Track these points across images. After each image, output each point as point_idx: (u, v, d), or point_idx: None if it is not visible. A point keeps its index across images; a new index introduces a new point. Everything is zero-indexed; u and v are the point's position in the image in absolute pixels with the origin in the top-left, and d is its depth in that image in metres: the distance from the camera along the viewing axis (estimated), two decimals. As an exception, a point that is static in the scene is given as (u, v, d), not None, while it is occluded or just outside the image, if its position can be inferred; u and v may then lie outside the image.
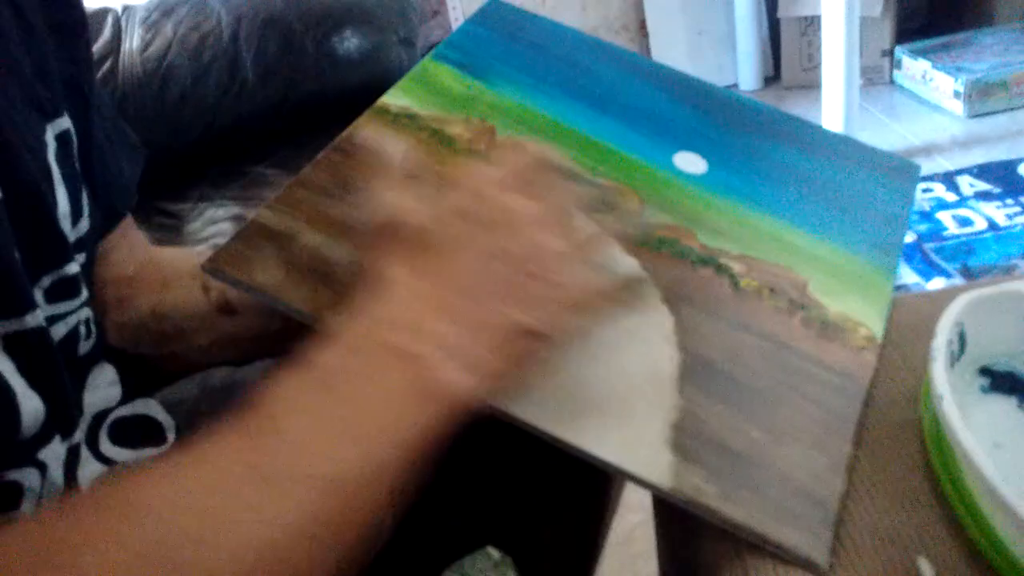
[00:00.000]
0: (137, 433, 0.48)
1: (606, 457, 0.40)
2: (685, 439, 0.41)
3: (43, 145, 0.42)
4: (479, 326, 0.35)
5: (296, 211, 0.46)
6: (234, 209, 1.12)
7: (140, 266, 0.54)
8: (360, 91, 1.21)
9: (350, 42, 1.21)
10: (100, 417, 0.46)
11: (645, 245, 0.49)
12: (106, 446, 0.46)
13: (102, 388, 0.46)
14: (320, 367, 0.33)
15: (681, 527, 0.45)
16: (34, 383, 0.37)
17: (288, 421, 0.31)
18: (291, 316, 0.43)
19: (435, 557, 0.53)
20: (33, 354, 0.37)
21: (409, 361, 0.33)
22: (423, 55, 0.58)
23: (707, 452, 0.41)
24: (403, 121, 0.53)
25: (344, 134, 0.51)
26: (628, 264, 0.48)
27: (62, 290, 0.42)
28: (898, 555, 0.38)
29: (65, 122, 0.44)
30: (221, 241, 0.45)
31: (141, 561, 0.26)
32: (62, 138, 0.44)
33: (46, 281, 0.41)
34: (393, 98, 0.54)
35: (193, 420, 0.54)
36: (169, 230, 1.17)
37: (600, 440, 0.40)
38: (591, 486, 0.60)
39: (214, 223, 1.15)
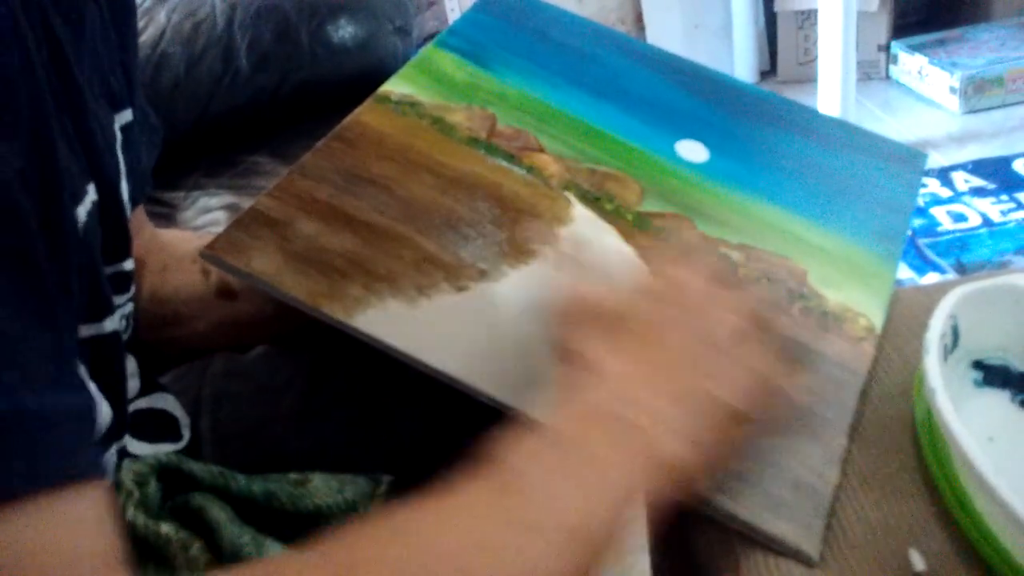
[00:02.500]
0: (154, 427, 0.48)
1: None
2: None
3: (114, 137, 0.42)
4: (690, 404, 0.37)
5: (295, 199, 0.46)
6: (228, 198, 1.12)
7: (144, 249, 0.54)
8: (355, 80, 1.20)
9: (345, 31, 1.20)
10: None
11: (644, 233, 0.49)
12: (126, 439, 0.45)
13: (127, 379, 0.46)
14: (554, 432, 0.35)
15: (673, 518, 0.45)
16: (103, 388, 0.37)
17: (534, 475, 0.33)
18: (288, 304, 0.43)
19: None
20: (105, 359, 0.37)
21: (636, 431, 0.35)
22: (419, 45, 0.57)
23: None
24: (404, 109, 0.53)
25: (345, 122, 0.51)
26: (625, 253, 0.48)
27: (117, 285, 0.42)
28: (890, 547, 0.38)
29: (128, 114, 0.45)
30: (215, 230, 0.45)
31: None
32: (125, 130, 0.44)
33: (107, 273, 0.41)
34: (394, 85, 0.54)
35: (196, 407, 0.54)
36: (162, 219, 1.16)
37: None
38: None
39: (207, 212, 1.15)
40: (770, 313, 0.43)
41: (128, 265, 0.43)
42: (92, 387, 0.35)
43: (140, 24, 1.23)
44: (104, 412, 0.37)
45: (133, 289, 0.44)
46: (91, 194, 0.36)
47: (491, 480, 0.33)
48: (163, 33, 1.21)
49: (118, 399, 0.39)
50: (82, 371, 0.33)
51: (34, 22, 0.32)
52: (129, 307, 0.45)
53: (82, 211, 0.34)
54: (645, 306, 0.40)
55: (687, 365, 0.38)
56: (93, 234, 0.35)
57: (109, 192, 0.39)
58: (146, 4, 1.24)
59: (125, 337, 0.45)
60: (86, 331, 0.36)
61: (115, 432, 0.39)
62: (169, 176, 1.22)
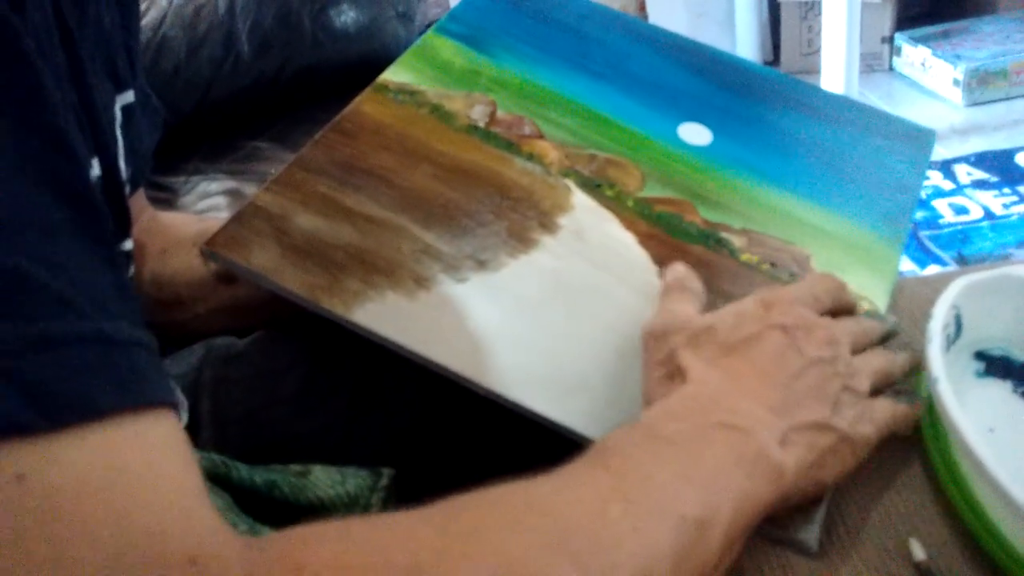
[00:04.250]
0: None
1: (594, 437, 0.40)
2: None
3: (114, 117, 0.42)
4: (796, 419, 0.36)
5: (294, 193, 0.46)
6: (228, 183, 1.11)
7: (143, 232, 0.54)
8: (356, 65, 1.20)
9: (347, 16, 1.19)
10: None
11: (645, 220, 0.49)
12: None
13: None
14: (654, 428, 0.35)
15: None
16: None
17: (646, 465, 0.33)
18: (287, 298, 0.43)
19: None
20: None
21: (739, 433, 0.35)
22: (421, 31, 0.57)
23: None
24: (403, 98, 0.52)
25: (344, 113, 0.51)
26: (626, 241, 0.48)
27: None
28: (889, 536, 0.38)
29: (130, 95, 0.45)
30: (214, 215, 0.45)
31: (540, 541, 0.29)
32: (126, 111, 0.44)
33: None
34: (393, 74, 0.53)
35: (195, 391, 0.54)
36: (162, 203, 1.16)
37: (589, 419, 0.40)
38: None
39: (208, 197, 1.14)
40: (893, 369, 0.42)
41: (128, 245, 0.43)
42: None
43: (142, 7, 1.22)
44: None
45: (132, 269, 0.44)
46: (95, 169, 0.36)
47: (605, 464, 0.33)
48: (164, 17, 1.21)
49: None
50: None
51: None
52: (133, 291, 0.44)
53: None
54: (748, 327, 0.39)
55: (807, 391, 0.37)
56: (103, 213, 0.35)
57: (110, 170, 0.39)
58: (147, -13, 1.24)
59: None
60: None
61: None
62: (169, 160, 1.22)
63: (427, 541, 0.28)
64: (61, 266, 0.26)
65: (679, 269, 0.43)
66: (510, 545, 0.28)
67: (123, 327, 0.26)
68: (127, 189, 0.44)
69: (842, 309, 0.43)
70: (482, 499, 0.30)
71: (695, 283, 0.43)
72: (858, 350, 0.40)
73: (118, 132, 0.42)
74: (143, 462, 0.25)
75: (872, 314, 0.45)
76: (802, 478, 0.35)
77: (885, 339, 0.43)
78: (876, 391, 0.40)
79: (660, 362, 0.39)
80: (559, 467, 0.33)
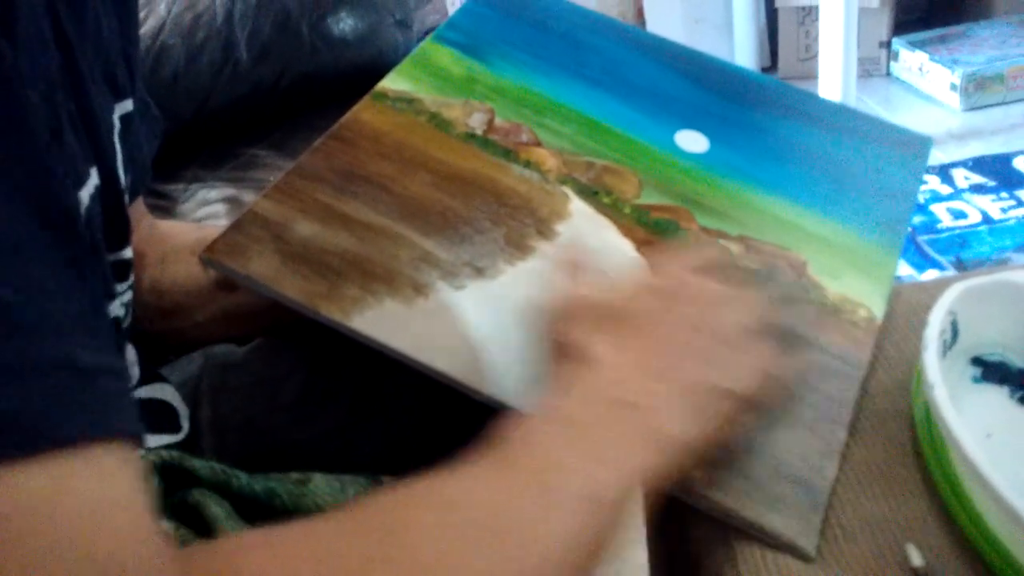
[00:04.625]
0: (153, 418, 0.48)
1: None
2: None
3: (112, 126, 0.42)
4: (687, 387, 0.38)
5: (293, 200, 0.46)
6: (227, 190, 1.11)
7: (142, 240, 0.54)
8: (355, 73, 1.20)
9: (345, 23, 1.20)
10: None
11: (641, 227, 0.49)
12: None
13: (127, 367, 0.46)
14: (556, 410, 0.36)
15: (671, 513, 0.45)
16: None
17: (541, 448, 0.34)
18: (286, 305, 0.43)
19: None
20: None
21: (636, 410, 0.36)
22: (419, 38, 0.57)
23: None
24: (401, 106, 0.52)
25: (342, 120, 0.51)
26: (623, 248, 0.48)
27: (118, 273, 0.42)
28: (886, 542, 0.38)
29: (129, 104, 0.45)
30: (213, 223, 0.45)
31: (452, 539, 0.30)
32: (125, 119, 0.44)
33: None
34: (391, 82, 0.54)
35: (195, 398, 0.54)
36: (161, 211, 1.16)
37: None
38: None
39: (207, 204, 1.14)
40: (772, 306, 0.43)
41: (128, 253, 0.43)
42: None
43: (140, 15, 1.22)
44: None
45: (132, 277, 0.44)
46: (93, 178, 0.36)
47: (499, 454, 0.33)
48: (163, 25, 1.21)
49: None
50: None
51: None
52: (128, 295, 0.45)
53: (85, 194, 0.34)
54: (639, 299, 0.40)
55: (682, 352, 0.38)
56: (95, 219, 0.35)
57: (109, 179, 0.39)
58: (146, -5, 1.24)
59: (124, 325, 0.45)
60: None
61: None
62: (168, 168, 1.22)
63: (352, 548, 0.28)
64: (28, 289, 0.25)
65: (568, 247, 0.44)
66: (431, 546, 0.29)
67: (89, 353, 0.26)
68: (126, 198, 0.44)
69: (718, 269, 0.44)
70: (403, 498, 0.31)
71: (584, 257, 0.44)
72: (736, 302, 0.42)
73: (116, 141, 0.42)
74: (93, 490, 0.25)
75: (742, 269, 0.47)
76: (696, 438, 0.37)
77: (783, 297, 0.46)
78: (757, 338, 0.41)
79: (564, 344, 0.40)
80: (468, 457, 0.33)
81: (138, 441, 0.28)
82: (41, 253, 0.26)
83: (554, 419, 0.36)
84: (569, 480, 0.33)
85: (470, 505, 0.31)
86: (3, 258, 0.25)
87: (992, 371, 0.45)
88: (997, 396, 0.44)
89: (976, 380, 0.45)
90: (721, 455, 0.40)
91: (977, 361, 0.45)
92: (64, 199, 0.29)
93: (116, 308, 0.38)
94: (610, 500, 0.33)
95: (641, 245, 0.48)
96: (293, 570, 0.27)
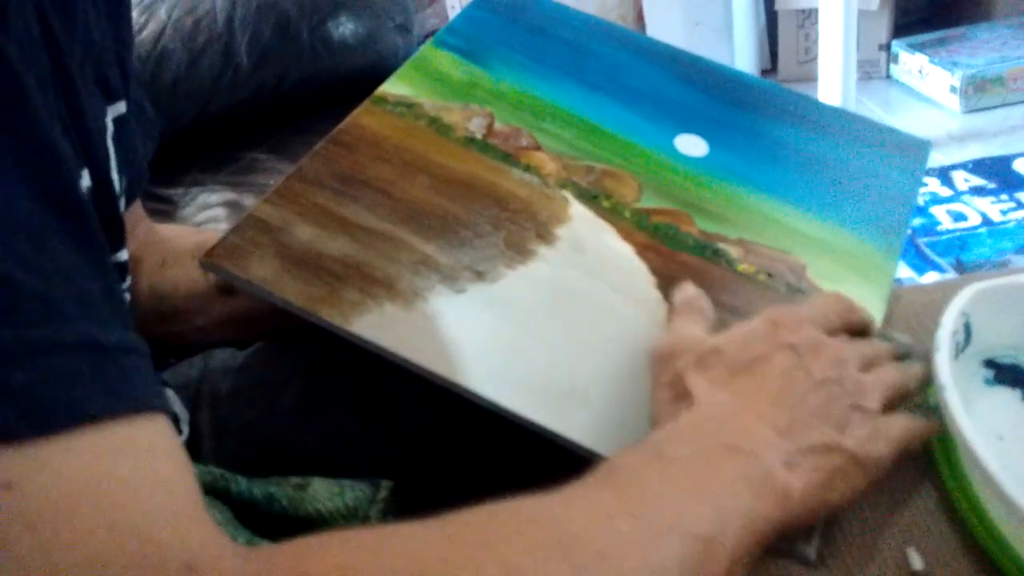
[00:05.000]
0: None
1: (593, 447, 0.40)
2: None
3: (105, 128, 0.42)
4: (804, 441, 0.36)
5: (293, 204, 0.46)
6: (227, 194, 1.12)
7: (141, 244, 0.54)
8: (355, 77, 1.20)
9: (345, 27, 1.20)
10: None
11: (642, 231, 0.49)
12: None
13: None
14: (661, 450, 0.35)
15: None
16: None
17: (653, 484, 0.33)
18: (286, 309, 0.43)
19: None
20: None
21: (745, 456, 0.35)
22: (419, 42, 0.57)
23: None
24: (401, 110, 0.52)
25: (342, 125, 0.51)
26: (623, 251, 0.48)
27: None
28: (888, 546, 0.38)
29: (122, 106, 0.44)
30: (214, 227, 0.45)
31: (544, 552, 0.29)
32: (119, 122, 0.44)
33: None
34: (391, 87, 0.54)
35: (195, 403, 0.54)
36: (162, 215, 1.16)
37: (587, 430, 0.40)
38: (583, 474, 0.59)
39: (207, 208, 1.14)
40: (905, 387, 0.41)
41: (123, 256, 0.43)
42: None
43: (140, 20, 1.22)
44: None
45: (129, 280, 0.44)
46: (85, 180, 0.36)
47: (611, 482, 0.33)
48: (163, 29, 1.21)
49: None
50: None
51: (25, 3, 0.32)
52: (126, 298, 0.44)
53: None
54: (756, 349, 0.39)
55: (810, 410, 0.37)
56: (92, 219, 0.35)
57: (102, 181, 0.39)
58: (147, 0, 1.24)
59: None
60: None
61: None
62: (169, 172, 1.22)
63: (432, 550, 0.28)
64: (50, 272, 0.25)
65: (689, 290, 0.43)
66: (514, 554, 0.28)
67: (113, 332, 0.26)
68: (121, 201, 0.44)
69: (852, 328, 0.42)
70: (488, 511, 0.30)
71: (705, 303, 0.43)
72: (868, 368, 0.40)
73: (110, 143, 0.42)
74: (132, 467, 0.25)
75: (884, 334, 0.45)
76: (810, 499, 0.35)
77: (900, 357, 0.43)
78: (891, 407, 0.39)
79: (668, 384, 0.39)
80: (565, 484, 0.32)
81: (169, 416, 0.28)
82: (60, 236, 0.27)
83: (658, 455, 0.35)
84: (661, 512, 0.32)
85: (555, 523, 0.30)
86: (21, 242, 0.25)
87: (1005, 373, 0.45)
88: (1010, 398, 0.44)
89: (989, 382, 0.45)
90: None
91: (990, 363, 0.45)
92: (74, 183, 0.29)
93: None
94: (702, 535, 0.31)
95: (641, 249, 0.48)
96: (371, 567, 0.26)
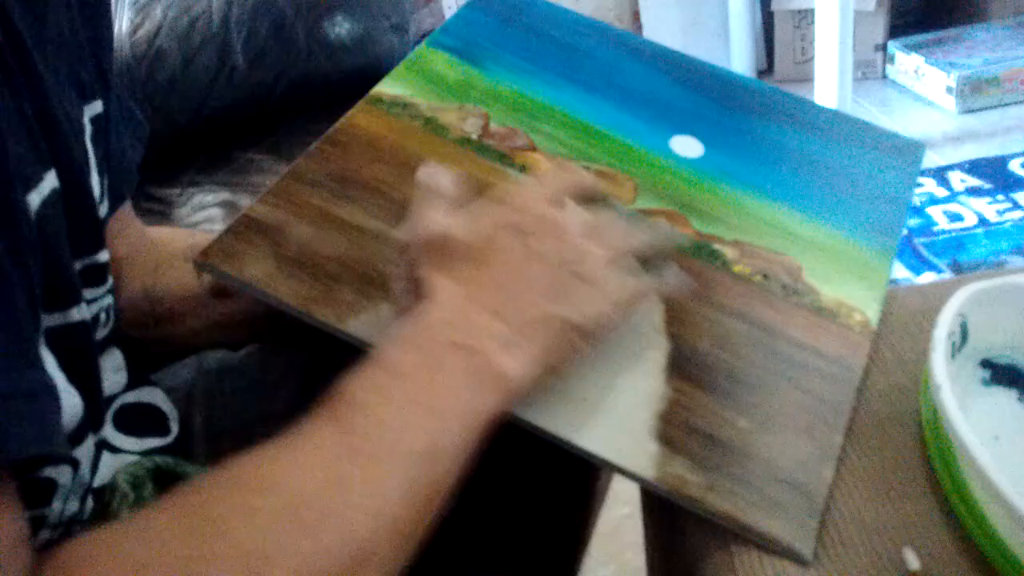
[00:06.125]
0: (141, 421, 0.48)
1: (589, 447, 0.40)
2: (671, 429, 0.41)
3: (82, 128, 0.42)
4: (523, 320, 0.38)
5: (288, 204, 0.46)
6: (223, 194, 1.11)
7: (132, 247, 0.54)
8: (351, 77, 1.20)
9: (341, 27, 1.20)
10: (107, 403, 0.46)
11: None
12: (110, 432, 0.45)
13: (110, 373, 0.46)
14: (390, 362, 0.36)
15: (668, 517, 0.45)
16: (73, 378, 0.36)
17: (375, 406, 0.34)
18: (281, 309, 0.43)
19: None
20: (74, 349, 0.37)
21: (467, 352, 0.36)
22: (416, 43, 0.57)
23: (693, 442, 0.40)
24: (396, 110, 0.52)
25: (337, 125, 0.51)
26: None
27: (91, 277, 0.42)
28: (884, 546, 0.38)
29: (99, 105, 0.44)
30: (209, 227, 0.45)
31: (275, 524, 0.30)
32: (96, 121, 0.43)
33: (77, 267, 0.40)
34: (387, 87, 0.53)
35: (188, 404, 0.54)
36: (157, 215, 1.16)
37: (584, 430, 0.40)
38: (577, 476, 0.59)
39: (203, 208, 1.14)
40: (630, 232, 0.43)
41: (102, 257, 0.42)
42: (59, 378, 0.35)
43: (136, 20, 1.22)
44: (74, 403, 0.36)
45: (111, 281, 0.44)
46: (49, 181, 0.35)
47: (334, 416, 0.34)
48: (159, 29, 1.21)
49: (91, 390, 0.38)
50: (46, 357, 0.34)
51: None
52: (108, 300, 0.44)
53: (36, 197, 0.34)
54: (495, 237, 0.40)
55: (524, 286, 0.39)
56: (52, 221, 0.35)
57: (74, 182, 0.38)
58: (142, 0, 1.24)
59: (106, 331, 0.44)
60: (51, 320, 0.36)
61: (90, 424, 0.38)
62: (164, 172, 1.22)
63: (178, 547, 0.29)
64: None
65: (428, 169, 0.44)
66: (249, 536, 0.30)
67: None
68: (103, 202, 0.44)
69: (579, 196, 0.44)
70: (221, 484, 0.32)
71: (444, 180, 0.43)
72: (593, 234, 0.41)
73: (88, 143, 0.42)
74: None
75: (611, 201, 0.47)
76: (531, 373, 0.37)
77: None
78: (631, 268, 0.42)
79: (406, 277, 0.40)
80: (302, 423, 0.34)
81: (24, 462, 0.28)
82: None
83: (385, 370, 0.36)
84: (382, 438, 0.33)
85: (282, 486, 0.31)
86: None
87: (1001, 374, 0.45)
88: (1006, 399, 0.44)
89: (985, 383, 0.45)
90: (718, 458, 0.40)
91: (987, 364, 0.45)
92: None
93: (84, 311, 0.38)
94: (447, 449, 0.34)
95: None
96: None
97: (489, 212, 0.41)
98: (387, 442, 0.33)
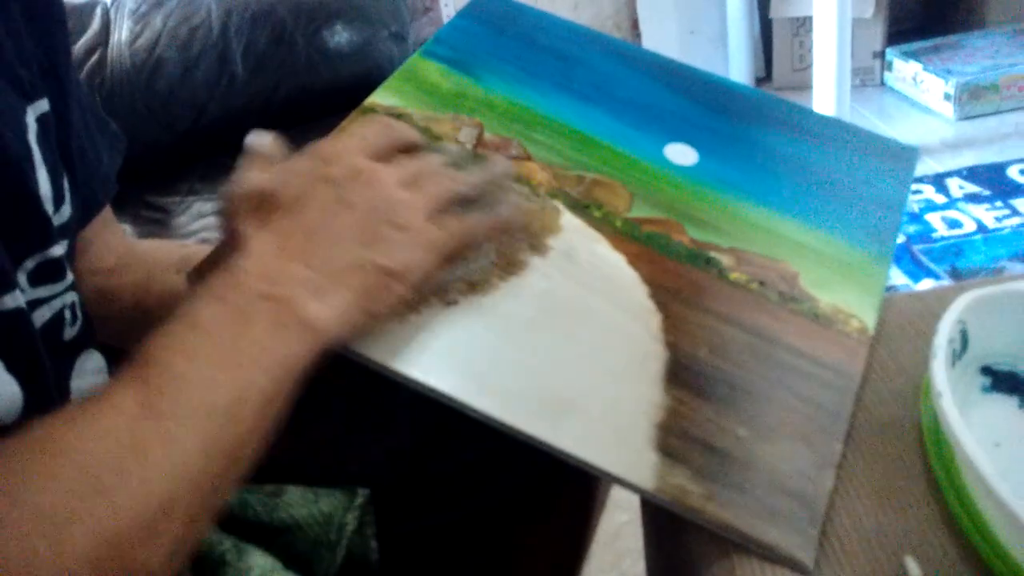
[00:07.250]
0: None
1: (588, 458, 0.39)
2: (670, 439, 0.41)
3: (24, 126, 0.42)
4: (333, 267, 0.38)
5: None
6: (222, 203, 1.11)
7: (121, 258, 0.54)
8: (350, 85, 1.20)
9: (341, 36, 1.20)
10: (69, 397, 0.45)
11: (633, 241, 0.49)
12: None
13: (89, 375, 0.46)
14: (195, 317, 0.36)
15: (668, 525, 0.45)
16: (12, 367, 0.36)
17: (175, 363, 0.34)
18: None
19: (417, 550, 0.53)
20: (11, 337, 0.37)
21: (274, 301, 0.37)
22: (414, 51, 0.57)
23: (692, 452, 0.40)
24: None
25: (331, 136, 0.51)
26: (614, 261, 0.48)
27: (46, 273, 0.41)
28: (885, 555, 0.38)
29: (44, 104, 0.44)
30: (209, 235, 0.45)
31: (73, 487, 0.30)
32: (42, 120, 0.43)
33: (30, 264, 0.40)
34: (381, 97, 0.53)
35: None
36: (157, 224, 1.16)
37: (582, 441, 0.40)
38: (577, 485, 0.59)
39: (202, 217, 1.14)
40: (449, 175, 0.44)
41: (56, 251, 0.42)
42: None
43: (136, 29, 1.23)
44: (9, 393, 0.37)
45: (71, 278, 0.44)
46: None
47: (137, 376, 0.34)
48: (159, 38, 1.21)
49: (35, 381, 0.38)
50: None
51: None
52: (71, 297, 0.44)
53: None
54: (306, 187, 0.40)
55: (339, 233, 0.39)
56: None
57: (8, 175, 0.39)
58: (142, 9, 1.24)
59: (75, 331, 0.44)
60: None
61: (33, 415, 0.39)
62: (164, 181, 1.22)
63: None
64: None
65: (259, 136, 0.44)
66: (47, 499, 0.30)
67: None
68: (62, 203, 0.43)
69: (399, 147, 0.45)
70: (22, 449, 0.31)
71: (264, 139, 0.44)
72: (412, 184, 0.42)
73: (32, 142, 0.42)
74: None
75: (435, 146, 0.48)
76: (345, 319, 0.38)
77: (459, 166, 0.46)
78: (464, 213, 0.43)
79: (225, 232, 0.40)
80: (110, 382, 0.34)
81: None
82: None
83: (189, 326, 0.36)
84: (182, 395, 0.33)
85: (82, 451, 0.31)
86: None
87: (1002, 381, 0.44)
88: (1007, 406, 0.44)
89: (986, 390, 0.44)
90: (717, 468, 0.40)
91: (987, 371, 0.45)
92: None
93: (18, 300, 0.38)
94: (223, 405, 0.34)
95: (633, 259, 0.48)
96: None
97: (304, 166, 0.42)
98: (187, 399, 0.33)
